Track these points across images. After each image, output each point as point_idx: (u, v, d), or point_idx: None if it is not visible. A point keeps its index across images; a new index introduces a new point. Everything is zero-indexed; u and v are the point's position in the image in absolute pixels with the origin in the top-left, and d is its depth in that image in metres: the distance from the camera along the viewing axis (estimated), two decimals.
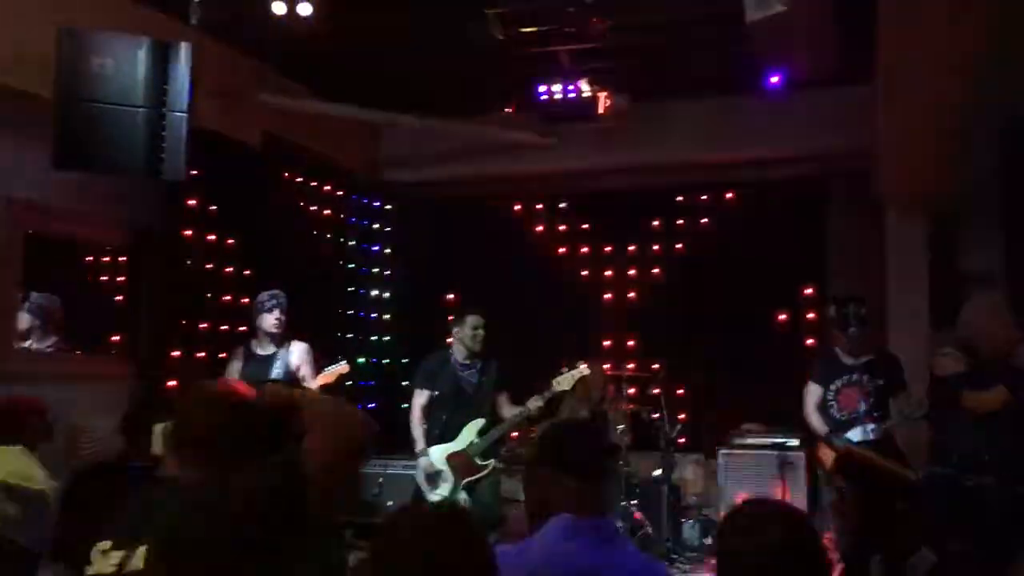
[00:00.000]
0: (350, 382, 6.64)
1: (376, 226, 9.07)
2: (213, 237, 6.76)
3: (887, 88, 5.51)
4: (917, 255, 7.36)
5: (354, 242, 8.75)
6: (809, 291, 8.02)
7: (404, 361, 8.43)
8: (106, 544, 1.91)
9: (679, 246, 8.46)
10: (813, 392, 5.80)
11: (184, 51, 4.48)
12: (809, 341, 7.87)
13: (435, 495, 5.78)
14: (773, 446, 6.86)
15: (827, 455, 5.56)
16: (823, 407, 5.74)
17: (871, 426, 5.38)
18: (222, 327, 6.71)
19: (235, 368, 5.77)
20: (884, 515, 2.73)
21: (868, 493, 2.80)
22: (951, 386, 4.84)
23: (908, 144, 6.08)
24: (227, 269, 6.88)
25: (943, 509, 5.00)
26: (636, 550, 2.46)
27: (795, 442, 6.77)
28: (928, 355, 6.55)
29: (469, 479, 5.78)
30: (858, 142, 6.79)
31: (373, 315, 8.98)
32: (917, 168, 6.58)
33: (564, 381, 5.93)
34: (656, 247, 8.54)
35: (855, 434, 5.47)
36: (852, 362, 5.68)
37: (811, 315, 7.91)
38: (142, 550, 1.86)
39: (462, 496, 5.75)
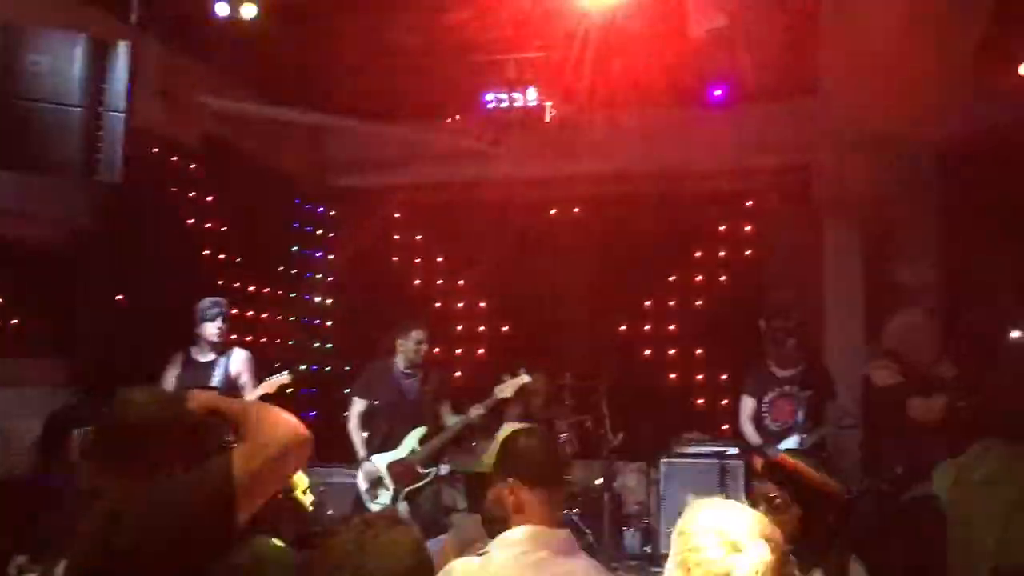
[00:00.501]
0: (291, 390, 6.54)
1: (320, 232, 8.98)
2: (151, 239, 6.61)
3: (826, 103, 5.64)
4: (853, 267, 7.51)
5: (296, 247, 8.64)
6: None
7: (346, 368, 8.34)
8: (22, 559, 1.84)
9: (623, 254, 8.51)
10: (747, 404, 5.92)
11: (123, 50, 4.38)
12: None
13: (376, 504, 5.73)
14: (714, 454, 6.93)
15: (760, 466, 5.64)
16: (757, 418, 5.86)
17: (804, 436, 5.49)
18: (158, 332, 6.55)
19: (173, 374, 5.68)
20: (817, 527, 2.76)
21: (799, 503, 2.82)
22: (893, 396, 4.97)
23: (846, 158, 6.23)
24: (164, 273, 6.72)
25: (883, 522, 5.11)
26: (592, 561, 2.46)
27: (735, 451, 6.85)
28: (863, 365, 6.71)
29: (410, 488, 5.74)
30: (799, 155, 6.91)
31: (315, 322, 8.88)
32: (854, 181, 6.73)
33: (506, 389, 5.92)
34: (600, 255, 8.58)
35: (789, 444, 5.61)
36: (784, 374, 5.79)
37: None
38: (63, 565, 1.80)
39: (403, 505, 5.71)
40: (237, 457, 1.89)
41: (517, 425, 2.88)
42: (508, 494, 2.41)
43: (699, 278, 8.34)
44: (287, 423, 1.99)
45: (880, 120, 5.37)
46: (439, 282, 9.04)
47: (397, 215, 9.08)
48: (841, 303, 7.46)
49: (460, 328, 8.87)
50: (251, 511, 1.88)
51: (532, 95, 6.67)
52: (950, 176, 6.97)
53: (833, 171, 6.72)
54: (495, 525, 2.45)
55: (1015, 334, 6.90)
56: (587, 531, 6.56)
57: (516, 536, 2.33)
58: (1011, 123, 6.60)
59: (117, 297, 6.39)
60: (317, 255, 8.96)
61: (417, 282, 9.11)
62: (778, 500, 2.81)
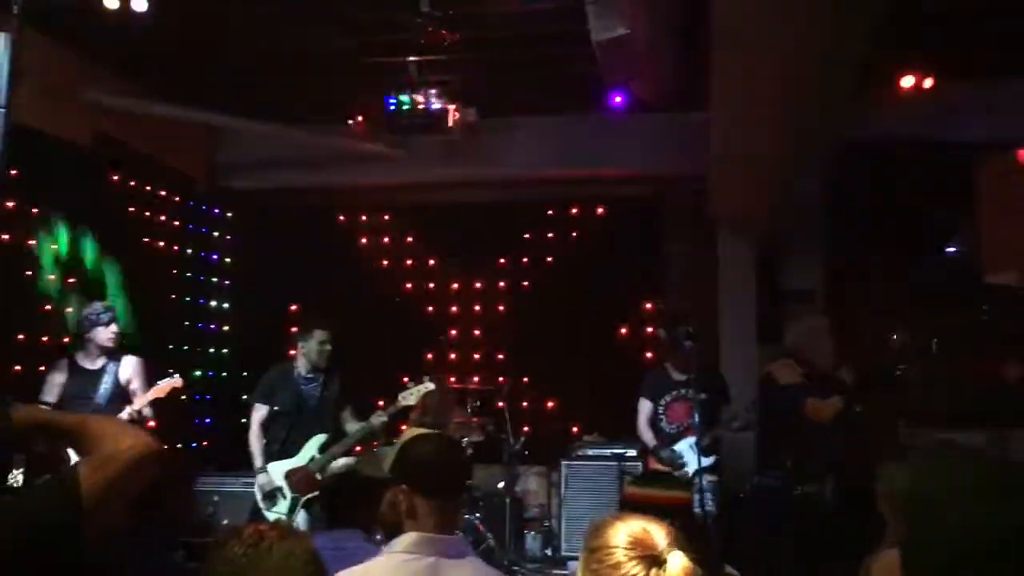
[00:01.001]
0: (184, 396, 6.35)
1: (216, 234, 8.74)
2: (33, 242, 6.31)
3: (718, 114, 5.79)
4: (746, 274, 7.74)
5: (191, 250, 8.38)
6: (648, 306, 8.28)
7: (243, 375, 8.15)
8: None
9: (524, 260, 8.56)
10: (644, 407, 6.05)
11: (2, 43, 4.18)
12: (649, 355, 8.11)
13: (273, 513, 5.61)
14: (613, 457, 7.03)
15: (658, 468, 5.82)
16: (654, 421, 5.99)
17: (698, 438, 5.65)
18: (39, 339, 6.25)
19: (57, 382, 5.46)
20: None
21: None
22: (791, 396, 5.18)
23: (737, 168, 6.41)
24: (50, 277, 6.43)
25: (771, 519, 5.29)
26: (483, 564, 2.46)
27: (634, 452, 6.97)
28: (756, 368, 6.94)
29: (309, 496, 5.64)
30: (695, 164, 7.08)
31: (211, 327, 8.63)
32: (745, 192, 6.95)
33: (410, 396, 5.87)
34: (502, 260, 8.61)
35: (683, 445, 5.79)
36: (680, 377, 5.94)
37: (650, 329, 8.17)
38: None
39: (301, 514, 5.61)
40: (83, 470, 1.82)
41: (421, 430, 2.87)
42: (402, 500, 2.40)
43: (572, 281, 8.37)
44: (133, 434, 1.92)
45: (768, 134, 5.55)
46: (349, 284, 8.90)
47: (297, 218, 8.90)
48: (735, 310, 7.68)
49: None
50: (106, 523, 1.81)
51: (435, 98, 6.63)
52: (837, 186, 7.28)
53: (726, 182, 6.91)
54: (393, 531, 2.43)
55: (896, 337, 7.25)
56: (489, 535, 6.57)
57: (404, 542, 2.32)
58: (893, 135, 6.94)
59: None
60: (213, 258, 8.72)
61: (320, 287, 8.96)
62: None
